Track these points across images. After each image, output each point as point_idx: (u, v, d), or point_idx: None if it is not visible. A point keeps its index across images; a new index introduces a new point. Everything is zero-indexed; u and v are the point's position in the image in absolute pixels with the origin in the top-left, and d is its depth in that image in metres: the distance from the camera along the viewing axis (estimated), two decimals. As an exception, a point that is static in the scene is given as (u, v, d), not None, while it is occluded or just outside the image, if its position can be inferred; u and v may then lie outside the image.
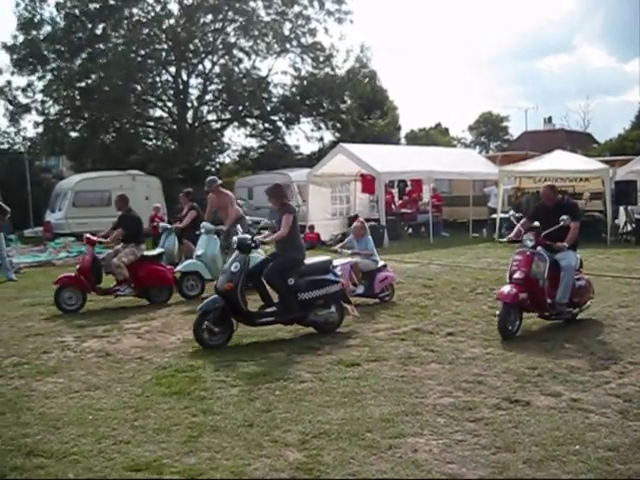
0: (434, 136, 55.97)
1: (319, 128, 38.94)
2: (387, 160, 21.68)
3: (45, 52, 34.44)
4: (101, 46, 34.71)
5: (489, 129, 71.35)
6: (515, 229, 9.03)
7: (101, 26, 34.48)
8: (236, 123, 38.80)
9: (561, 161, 21.59)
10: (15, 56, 34.11)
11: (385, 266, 11.08)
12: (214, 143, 39.78)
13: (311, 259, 9.11)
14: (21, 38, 34.20)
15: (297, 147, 40.49)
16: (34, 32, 34.28)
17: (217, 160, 40.98)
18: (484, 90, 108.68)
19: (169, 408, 5.74)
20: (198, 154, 37.89)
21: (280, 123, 38.57)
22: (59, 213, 26.10)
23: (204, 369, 6.93)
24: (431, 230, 21.24)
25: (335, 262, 9.92)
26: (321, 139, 40.16)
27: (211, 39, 36.41)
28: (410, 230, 23.98)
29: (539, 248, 8.35)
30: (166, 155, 35.89)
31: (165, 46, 35.87)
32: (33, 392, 6.37)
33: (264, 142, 39.51)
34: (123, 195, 12.37)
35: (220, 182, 13.32)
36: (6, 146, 34.24)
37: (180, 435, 5.11)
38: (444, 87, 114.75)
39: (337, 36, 54.09)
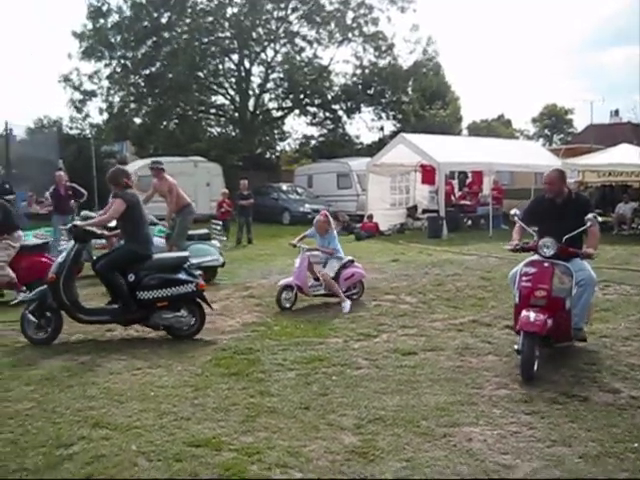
0: (496, 128, 55.31)
1: (380, 118, 38.90)
2: (448, 151, 21.54)
3: (112, 40, 35.16)
4: (166, 34, 35.25)
5: (553, 122, 69.98)
6: (515, 233, 7.12)
7: (166, 15, 35.07)
8: (297, 111, 39.00)
9: (627, 155, 21.06)
10: (84, 44, 34.92)
11: (352, 261, 10.26)
12: (275, 131, 40.06)
13: (163, 255, 8.53)
14: (90, 26, 35.01)
15: (357, 137, 40.53)
16: (102, 21, 35.09)
17: (277, 148, 41.27)
18: (549, 82, 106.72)
19: (228, 388, 5.87)
20: (259, 142, 38.25)
21: (341, 112, 38.62)
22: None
23: (262, 352, 7.06)
24: (491, 223, 21.01)
25: (296, 260, 9.86)
26: (381, 129, 40.12)
27: (274, 27, 36.59)
28: (469, 222, 23.78)
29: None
30: (228, 142, 36.30)
31: (228, 34, 36.21)
32: (98, 367, 6.61)
33: (324, 131, 39.64)
34: None
35: (162, 166, 12.92)
36: (75, 132, 35.12)
37: (238, 415, 5.24)
38: (508, 78, 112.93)
39: (406, 26, 53.49)
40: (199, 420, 5.13)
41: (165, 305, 7.72)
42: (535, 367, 6.06)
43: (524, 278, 6.44)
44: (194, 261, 9.80)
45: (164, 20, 35.25)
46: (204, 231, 12.90)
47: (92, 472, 4.22)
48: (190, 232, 12.32)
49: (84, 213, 11.79)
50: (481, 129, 52.86)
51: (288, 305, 9.48)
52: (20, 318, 7.72)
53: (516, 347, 6.26)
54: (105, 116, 36.33)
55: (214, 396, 5.68)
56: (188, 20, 35.01)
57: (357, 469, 4.28)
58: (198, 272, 8.13)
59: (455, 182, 26.19)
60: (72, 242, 7.97)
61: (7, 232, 10.23)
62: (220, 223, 13.95)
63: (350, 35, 36.83)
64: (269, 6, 35.70)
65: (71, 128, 35.22)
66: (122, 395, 5.72)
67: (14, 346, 7.57)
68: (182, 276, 7.86)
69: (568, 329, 6.44)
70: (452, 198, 23.71)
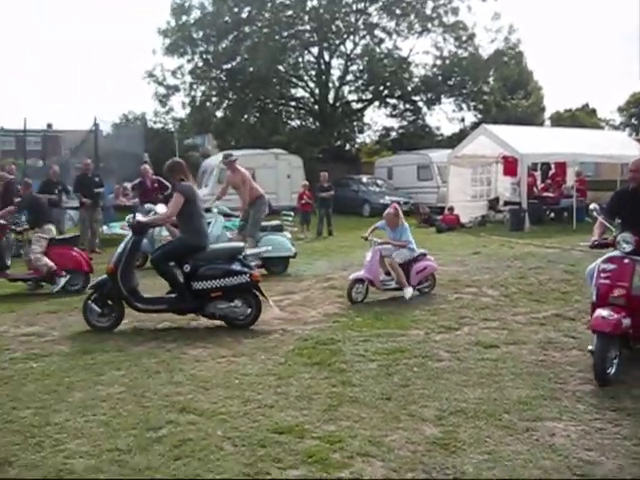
0: (580, 117, 53.78)
1: (460, 109, 38.42)
2: (530, 142, 21.11)
3: (194, 36, 35.84)
4: (246, 29, 35.71)
5: (640, 110, 67.63)
6: (596, 228, 6.72)
7: (247, 9, 35.51)
8: (377, 103, 38.93)
9: None
10: (167, 40, 35.75)
11: (425, 255, 10.11)
12: (354, 123, 40.07)
13: (218, 245, 8.52)
14: (173, 23, 35.80)
15: (438, 128, 40.13)
16: (185, 17, 35.78)
17: (357, 140, 41.26)
18: (636, 68, 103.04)
19: (310, 377, 5.97)
20: (339, 134, 38.37)
21: (421, 103, 38.34)
22: (205, 189, 27.15)
23: (344, 343, 7.13)
24: (574, 215, 20.55)
25: (367, 253, 9.77)
26: (462, 120, 39.64)
27: (353, 20, 36.59)
28: (552, 215, 23.29)
29: None
30: (307, 135, 36.51)
31: (308, 27, 36.38)
32: (184, 355, 6.81)
33: (404, 122, 39.39)
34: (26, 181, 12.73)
35: (234, 158, 13.03)
36: (158, 126, 36.02)
37: (320, 403, 5.32)
38: (593, 65, 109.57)
39: (486, 15, 52.66)
40: (282, 408, 5.23)
41: (219, 295, 7.86)
42: (612, 369, 5.77)
43: (602, 275, 6.10)
44: (261, 252, 10.04)
45: (244, 15, 35.71)
46: (277, 222, 13.05)
47: (180, 454, 4.37)
48: (263, 223, 12.47)
49: (147, 206, 12.17)
50: (564, 119, 51.53)
51: (360, 298, 9.43)
52: (83, 306, 8.03)
53: (590, 348, 6.01)
54: (187, 110, 37.16)
55: (297, 385, 5.78)
56: (268, 14, 35.34)
57: (438, 460, 4.30)
58: (253, 263, 8.28)
59: (537, 174, 25.67)
60: (130, 234, 8.21)
61: (38, 226, 10.91)
62: (291, 214, 14.07)
63: (430, 25, 36.49)
64: (348, -2, 35.78)
65: (155, 122, 36.21)
66: (207, 382, 5.89)
67: (105, 333, 7.85)
68: (236, 267, 7.96)
69: None
70: (534, 190, 23.26)
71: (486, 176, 24.22)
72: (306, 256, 14.52)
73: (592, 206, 6.89)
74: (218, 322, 8.18)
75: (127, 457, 4.36)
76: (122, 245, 8.13)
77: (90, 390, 5.73)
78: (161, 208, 8.75)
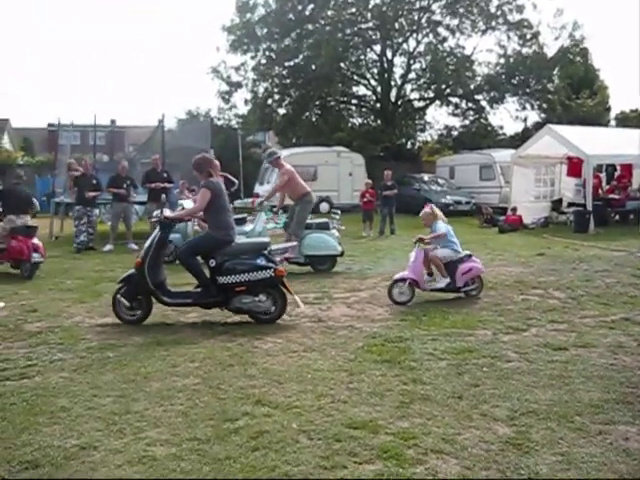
0: (648, 118, 52.55)
1: (524, 108, 37.94)
2: (596, 143, 20.76)
3: (258, 33, 36.21)
4: (309, 26, 35.96)
5: None
6: None
7: (310, 7, 35.75)
8: (438, 102, 38.76)
9: None
10: (231, 37, 36.18)
11: (470, 256, 9.86)
12: (416, 122, 39.93)
13: (243, 240, 8.50)
14: (237, 20, 36.20)
15: (501, 127, 39.71)
16: (249, 15, 36.16)
17: (419, 139, 41.13)
18: None
19: (381, 375, 6.03)
20: (400, 132, 38.29)
21: (484, 102, 38.04)
22: (267, 186, 27.44)
23: (412, 341, 7.17)
24: (641, 217, 20.14)
25: (411, 253, 9.66)
26: (525, 119, 39.16)
27: (416, 17, 36.53)
28: (617, 217, 22.88)
29: None
30: (369, 133, 36.53)
31: (371, 25, 36.45)
32: (255, 349, 6.94)
33: (467, 121, 39.10)
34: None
35: (278, 155, 12.93)
36: (222, 122, 36.48)
37: (392, 400, 5.37)
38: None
39: (550, 12, 51.92)
40: (355, 403, 5.31)
41: (244, 290, 7.94)
42: None
43: None
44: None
45: (308, 12, 35.92)
46: (323, 220, 12.96)
47: (257, 445, 4.48)
48: (308, 221, 12.43)
49: (180, 202, 12.39)
50: (631, 119, 50.36)
51: (403, 299, 9.29)
52: (112, 300, 8.20)
53: None
54: (250, 107, 37.50)
55: (368, 381, 5.85)
56: (331, 12, 35.51)
57: (512, 460, 4.31)
58: (278, 258, 8.34)
59: (603, 175, 25.25)
60: (157, 229, 8.33)
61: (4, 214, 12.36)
62: (339, 212, 14.10)
63: (494, 24, 36.24)
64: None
65: (219, 119, 36.67)
66: (280, 376, 6.00)
67: (176, 325, 8.07)
68: (260, 262, 8.03)
69: None
70: (599, 191, 22.89)
71: (550, 177, 23.91)
72: (370, 254, 14.61)
73: None
74: (287, 318, 8.32)
75: (206, 447, 4.48)
76: (149, 240, 8.28)
77: (166, 381, 5.90)
78: (189, 204, 8.93)
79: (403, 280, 9.41)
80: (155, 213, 8.75)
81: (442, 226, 9.77)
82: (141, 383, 5.83)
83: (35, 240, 12.07)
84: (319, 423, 4.89)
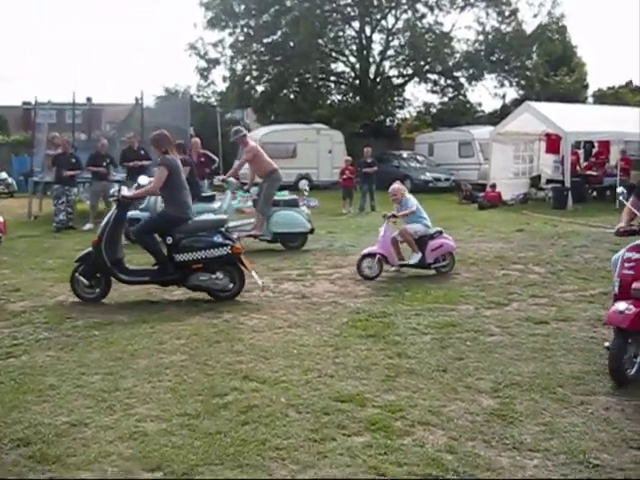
0: (624, 95, 52.83)
1: (502, 85, 37.98)
2: (575, 119, 20.93)
3: (236, 9, 35.87)
4: (287, 3, 35.62)
5: (687, 88, 66.18)
6: (624, 214, 5.97)
7: (289, -18, 35.38)
8: (417, 79, 38.65)
9: None
10: (209, 13, 35.83)
11: (441, 232, 9.84)
12: (395, 99, 39.86)
13: (200, 218, 8.51)
14: (215, -5, 35.86)
15: (479, 104, 39.78)
16: (227, -10, 35.77)
17: (398, 116, 41.09)
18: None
19: (366, 349, 6.12)
20: (379, 109, 38.23)
21: (463, 79, 37.94)
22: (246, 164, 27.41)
23: (396, 316, 7.27)
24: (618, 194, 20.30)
25: (380, 229, 9.74)
26: (503, 96, 39.25)
27: (395, -6, 36.32)
28: (595, 193, 23.11)
29: None
30: (348, 110, 36.46)
31: (349, 1, 36.20)
32: (241, 325, 7.01)
33: (445, 98, 39.04)
34: None
35: (244, 133, 12.81)
36: (201, 99, 36.22)
37: (378, 374, 5.47)
38: (637, 42, 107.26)
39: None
40: (342, 377, 5.39)
41: (201, 267, 7.94)
42: (633, 369, 5.30)
43: (626, 265, 5.53)
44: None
45: (286, -12, 35.63)
46: (292, 197, 12.89)
47: (247, 420, 4.54)
48: (276, 198, 12.36)
49: (229, 179, 12.36)
50: (608, 97, 50.67)
51: (371, 274, 9.38)
52: (70, 279, 8.21)
53: (606, 344, 5.59)
54: (228, 84, 37.24)
55: (354, 356, 5.93)
56: (310, -13, 35.21)
57: (497, 430, 4.42)
58: (235, 235, 8.37)
59: (581, 152, 25.44)
60: (115, 207, 8.34)
61: None
62: (307, 189, 14.06)
63: (472, 0, 36.09)
64: (391, -28, 35.49)
65: (198, 96, 36.37)
66: (267, 351, 6.06)
67: (161, 303, 8.10)
68: (217, 239, 8.03)
69: None
70: (577, 168, 23.08)
71: (528, 154, 24.09)
72: (350, 231, 14.67)
73: (619, 190, 6.44)
74: (272, 294, 8.38)
75: (196, 422, 4.54)
76: (106, 218, 8.29)
77: (153, 358, 5.94)
78: (144, 180, 8.97)
79: (372, 255, 9.51)
80: (112, 191, 8.71)
81: (412, 201, 9.84)
82: (128, 360, 5.86)
83: None
84: (307, 397, 4.96)
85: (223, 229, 8.25)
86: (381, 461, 3.98)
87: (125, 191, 8.50)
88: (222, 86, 37.51)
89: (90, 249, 8.15)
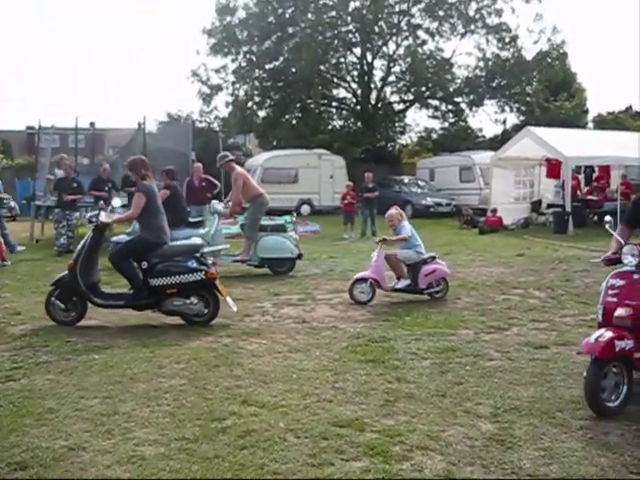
0: (624, 120, 53.05)
1: (503, 110, 38.23)
2: (575, 144, 21.04)
3: (238, 36, 36.21)
4: (289, 29, 36.05)
5: (687, 113, 66.40)
6: (613, 242, 5.85)
7: (290, 10, 35.83)
8: (418, 104, 38.90)
9: None
10: (212, 40, 36.17)
11: (434, 258, 9.87)
12: (396, 124, 40.07)
13: (175, 243, 8.51)
14: (217, 23, 36.22)
15: (480, 130, 39.99)
16: (229, 17, 36.20)
17: (399, 141, 41.26)
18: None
19: (366, 374, 6.11)
20: (381, 135, 38.42)
21: (463, 105, 38.22)
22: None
23: (396, 341, 7.26)
24: (618, 219, 20.28)
25: (373, 253, 9.80)
26: (504, 122, 39.45)
27: (396, 21, 36.71)
28: (596, 218, 23.12)
29: None
30: (350, 135, 36.64)
31: (351, 28, 36.57)
32: (241, 350, 7.00)
33: (446, 124, 39.25)
34: None
35: (230, 158, 12.71)
36: (203, 125, 36.45)
37: (377, 399, 5.45)
38: (636, 67, 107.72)
39: (530, 17, 52.25)
40: (341, 402, 5.38)
41: (175, 292, 7.97)
42: (617, 399, 5.19)
43: (610, 292, 5.47)
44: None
45: (288, 15, 35.97)
46: (279, 222, 12.89)
47: (245, 444, 4.53)
48: (263, 223, 12.35)
49: (213, 204, 12.37)
50: (607, 122, 50.84)
51: (364, 299, 9.44)
52: (46, 302, 8.21)
53: (585, 374, 5.26)
54: (230, 109, 37.48)
55: (353, 380, 5.92)
56: (311, 15, 35.53)
57: (496, 455, 4.40)
58: (210, 260, 8.39)
59: (581, 177, 25.52)
60: (90, 231, 8.34)
61: None
62: (296, 215, 14.09)
63: (473, 27, 36.51)
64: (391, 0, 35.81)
65: (200, 122, 36.61)
66: (266, 376, 6.05)
67: (161, 327, 8.09)
68: (192, 264, 8.05)
69: None
70: (578, 193, 23.15)
71: (529, 178, 24.19)
72: (351, 256, 14.67)
73: (607, 218, 6.20)
74: (272, 319, 8.40)
75: (194, 446, 4.52)
76: (82, 242, 8.30)
77: (153, 382, 5.93)
78: (117, 202, 9.04)
79: (364, 280, 9.55)
80: (88, 216, 8.74)
81: (407, 228, 9.86)
82: (127, 384, 5.85)
83: None
84: (305, 422, 4.95)
85: (198, 254, 8.26)
86: (379, 486, 3.98)
87: (103, 217, 8.47)
88: (224, 111, 37.83)
89: (65, 272, 8.17)
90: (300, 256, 12.29)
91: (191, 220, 12.94)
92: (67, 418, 5.06)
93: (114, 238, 11.78)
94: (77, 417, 5.09)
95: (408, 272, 9.69)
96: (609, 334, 5.10)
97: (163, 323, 8.29)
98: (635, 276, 5.36)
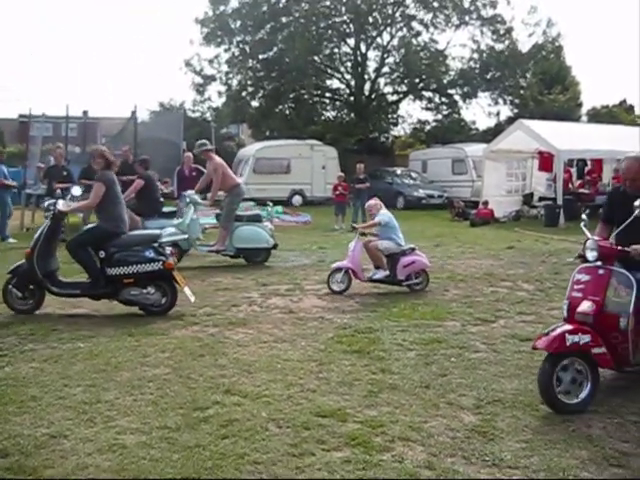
0: (618, 114, 53.10)
1: (497, 103, 38.25)
2: (567, 138, 21.03)
3: (232, 26, 36.12)
4: (283, 19, 35.97)
5: (680, 108, 66.46)
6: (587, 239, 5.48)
7: (284, 0, 35.58)
8: (412, 96, 38.91)
9: None
10: (205, 30, 36.03)
11: (413, 249, 9.75)
12: (389, 115, 40.06)
13: (134, 232, 8.54)
14: (210, 13, 36.09)
15: (474, 122, 40.02)
16: (222, 7, 36.05)
17: (392, 132, 41.23)
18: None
19: (350, 364, 6.11)
20: (374, 126, 38.42)
21: (457, 97, 38.29)
22: (240, 179, 27.36)
23: (382, 332, 7.26)
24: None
25: (350, 243, 9.84)
26: (497, 114, 39.47)
27: (390, 11, 36.69)
28: (587, 211, 23.12)
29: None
30: (342, 126, 36.67)
31: (345, 18, 36.51)
32: (226, 339, 6.99)
33: (439, 116, 39.28)
34: None
35: (209, 147, 12.65)
36: (196, 115, 36.37)
37: (361, 389, 5.46)
38: (630, 61, 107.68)
39: (525, 9, 52.27)
40: (324, 392, 5.38)
41: (132, 282, 7.98)
42: (581, 394, 5.07)
43: (575, 287, 5.36)
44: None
45: (281, 5, 35.91)
46: (254, 213, 12.84)
47: (227, 434, 4.53)
48: (239, 213, 12.36)
49: (189, 194, 12.33)
50: (602, 115, 50.85)
51: (338, 288, 9.50)
52: (2, 290, 8.21)
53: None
54: (223, 99, 37.43)
55: (337, 371, 5.92)
56: (305, 5, 35.46)
57: (477, 447, 4.41)
58: (168, 250, 8.39)
59: (573, 170, 25.53)
60: (48, 220, 8.29)
61: None
62: (271, 205, 13.98)
63: (467, 18, 36.49)
64: (386, -10, 35.81)
65: (193, 111, 36.55)
66: (251, 366, 6.05)
67: (148, 317, 8.04)
68: (149, 254, 8.05)
69: (625, 352, 5.18)
70: (570, 186, 23.16)
71: (521, 171, 24.19)
72: (341, 247, 14.57)
73: (583, 216, 6.08)
74: (259, 309, 8.39)
75: (176, 435, 4.52)
76: (39, 230, 8.29)
77: (137, 370, 5.92)
78: (77, 191, 9.01)
79: (340, 269, 9.59)
80: (46, 204, 8.68)
81: (384, 216, 9.85)
82: (112, 373, 5.84)
83: None
84: (288, 412, 4.95)
85: (156, 244, 8.25)
86: (359, 476, 3.98)
87: (61, 205, 8.40)
88: (218, 102, 37.74)
89: (22, 261, 8.15)
90: (275, 246, 12.25)
91: (164, 210, 12.94)
92: (50, 406, 5.05)
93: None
94: (60, 405, 5.08)
95: (387, 263, 9.67)
96: (562, 329, 5.06)
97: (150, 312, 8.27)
98: (600, 271, 5.27)
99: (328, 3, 36.02)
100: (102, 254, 8.04)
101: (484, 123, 46.70)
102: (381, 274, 9.67)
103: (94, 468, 4.05)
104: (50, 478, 3.95)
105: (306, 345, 6.77)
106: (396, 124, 40.72)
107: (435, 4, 36.10)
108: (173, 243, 11.00)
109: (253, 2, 35.54)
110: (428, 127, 39.66)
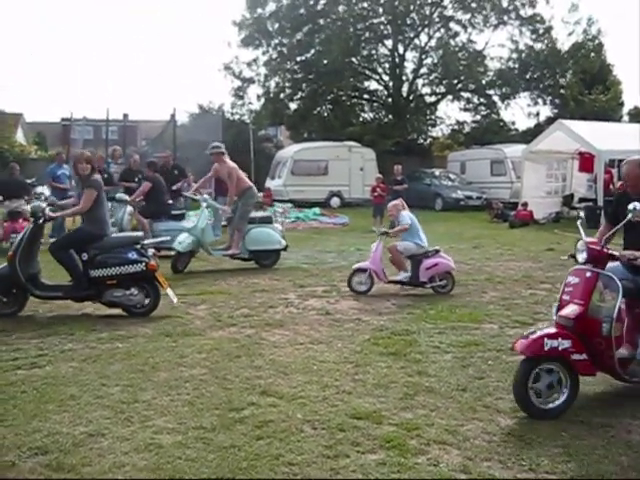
0: (661, 114, 52.20)
1: (536, 103, 37.86)
2: (608, 138, 20.72)
3: (269, 28, 36.27)
4: (321, 21, 36.05)
5: None
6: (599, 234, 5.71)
7: (322, 2, 35.74)
8: (450, 97, 38.68)
9: None
10: (243, 33, 36.27)
11: (437, 251, 9.70)
12: (427, 117, 39.85)
13: (117, 234, 8.46)
14: (248, 16, 36.29)
15: (513, 123, 39.60)
16: (260, 10, 36.23)
17: (430, 134, 41.04)
18: None
19: (386, 367, 6.09)
20: (412, 127, 38.27)
21: (496, 97, 37.94)
22: (278, 180, 27.56)
23: (418, 334, 7.23)
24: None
25: (372, 244, 9.80)
26: (537, 114, 39.04)
27: (428, 12, 36.52)
28: (583, 211, 22.76)
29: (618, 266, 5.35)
30: (380, 127, 36.54)
31: (382, 20, 36.46)
32: (263, 341, 7.02)
33: (478, 117, 38.99)
34: None
35: (222, 150, 12.54)
36: (235, 117, 36.63)
37: (397, 392, 5.43)
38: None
39: (565, 7, 51.64)
40: (360, 395, 5.37)
41: (115, 283, 8.01)
42: (558, 399, 4.97)
43: (566, 289, 5.25)
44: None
45: (319, 7, 35.95)
46: (266, 214, 12.78)
47: (262, 435, 4.54)
48: (251, 215, 12.31)
49: (205, 198, 12.34)
50: (644, 115, 50.05)
51: (362, 289, 9.50)
52: None
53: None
54: (262, 101, 37.60)
55: (373, 373, 5.91)
56: (342, 7, 35.50)
57: (514, 451, 4.35)
58: (151, 252, 8.39)
59: (615, 171, 25.10)
60: (31, 223, 8.25)
61: None
62: (277, 206, 13.97)
63: (506, 18, 36.17)
64: (423, -9, 35.67)
65: (232, 114, 36.80)
66: (287, 367, 6.07)
67: (185, 317, 8.12)
68: (132, 255, 8.08)
69: (608, 358, 5.02)
70: (611, 187, 22.81)
71: (561, 172, 23.91)
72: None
73: (580, 214, 6.03)
74: (295, 310, 8.41)
75: (211, 435, 4.55)
76: (22, 233, 8.29)
77: (174, 371, 5.97)
78: (45, 190, 8.98)
79: (363, 270, 9.57)
80: (30, 207, 8.68)
81: (406, 218, 9.80)
82: (149, 373, 5.90)
83: (21, 222, 12.49)
84: (323, 413, 4.95)
85: (138, 246, 8.29)
86: (394, 479, 3.96)
87: (49, 212, 8.39)
88: (257, 104, 37.95)
89: (5, 264, 8.14)
90: (286, 247, 12.22)
91: (173, 213, 13.06)
92: (88, 405, 5.11)
93: None
94: (98, 404, 5.14)
95: (410, 265, 9.64)
96: (542, 332, 4.99)
97: (187, 313, 8.34)
98: (587, 274, 5.13)
99: (365, 5, 36.01)
100: (85, 256, 8.08)
101: (523, 124, 46.22)
102: (402, 275, 9.66)
103: (130, 467, 4.09)
104: (88, 477, 4.00)
105: (342, 347, 6.76)
106: (434, 125, 40.52)
107: (473, 4, 35.85)
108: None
109: (291, 5, 35.68)
110: (466, 128, 39.42)
